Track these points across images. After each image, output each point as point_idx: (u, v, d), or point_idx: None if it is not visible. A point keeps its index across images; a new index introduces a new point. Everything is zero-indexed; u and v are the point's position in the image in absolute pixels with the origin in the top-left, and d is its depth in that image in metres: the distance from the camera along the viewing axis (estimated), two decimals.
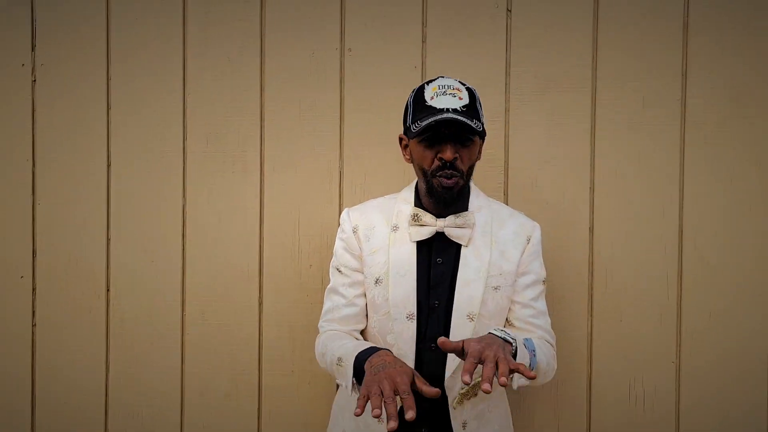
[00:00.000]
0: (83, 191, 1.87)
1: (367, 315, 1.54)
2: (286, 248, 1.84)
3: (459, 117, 1.39)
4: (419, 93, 1.47)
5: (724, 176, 1.76)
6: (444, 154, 1.42)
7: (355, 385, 1.35)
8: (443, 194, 1.45)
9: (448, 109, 1.40)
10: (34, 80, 1.88)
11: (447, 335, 1.47)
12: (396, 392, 1.18)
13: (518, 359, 1.28)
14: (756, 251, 1.75)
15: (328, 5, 1.81)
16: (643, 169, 1.77)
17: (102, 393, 1.88)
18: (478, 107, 1.47)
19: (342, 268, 1.55)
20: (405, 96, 1.66)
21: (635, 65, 1.76)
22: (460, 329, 1.47)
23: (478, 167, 1.77)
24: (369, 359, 1.31)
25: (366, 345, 1.41)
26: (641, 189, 1.77)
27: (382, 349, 1.36)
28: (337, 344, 1.45)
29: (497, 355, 1.18)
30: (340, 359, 1.40)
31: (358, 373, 1.33)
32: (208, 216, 1.85)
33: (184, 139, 1.85)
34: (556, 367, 1.52)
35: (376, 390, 1.18)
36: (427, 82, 1.48)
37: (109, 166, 1.87)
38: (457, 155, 1.44)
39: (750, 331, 1.75)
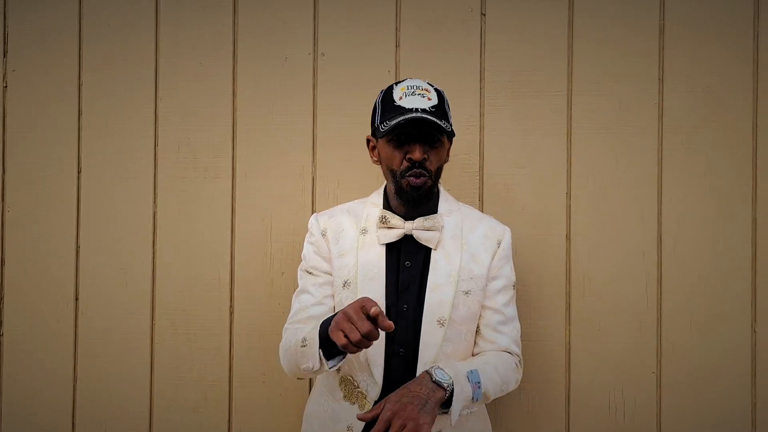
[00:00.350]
0: (53, 198, 1.84)
1: None
2: (257, 256, 1.80)
3: (428, 117, 1.38)
4: (388, 93, 1.45)
5: (703, 181, 1.72)
6: (413, 154, 1.41)
7: (323, 359, 1.29)
8: (412, 194, 1.43)
9: (417, 109, 1.39)
10: (6, 86, 1.86)
11: (417, 340, 1.44)
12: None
13: (456, 399, 1.31)
14: (737, 257, 1.71)
15: (301, 9, 1.80)
16: (620, 175, 1.74)
17: (69, 404, 1.84)
18: (447, 109, 1.46)
19: (312, 270, 1.51)
20: None
21: (611, 69, 1.74)
22: (431, 335, 1.43)
23: (453, 173, 1.74)
24: (333, 319, 1.27)
25: (331, 315, 1.36)
26: (619, 194, 1.74)
27: None
28: (300, 332, 1.40)
29: (405, 425, 1.23)
30: (304, 339, 1.35)
31: (324, 339, 1.29)
32: (179, 223, 1.82)
33: (156, 146, 1.83)
34: (519, 377, 1.51)
35: (344, 320, 1.20)
36: (396, 83, 1.47)
37: (79, 172, 1.84)
38: (426, 156, 1.42)
39: (732, 339, 1.71)
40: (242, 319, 1.80)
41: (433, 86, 1.46)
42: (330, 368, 1.30)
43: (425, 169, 1.42)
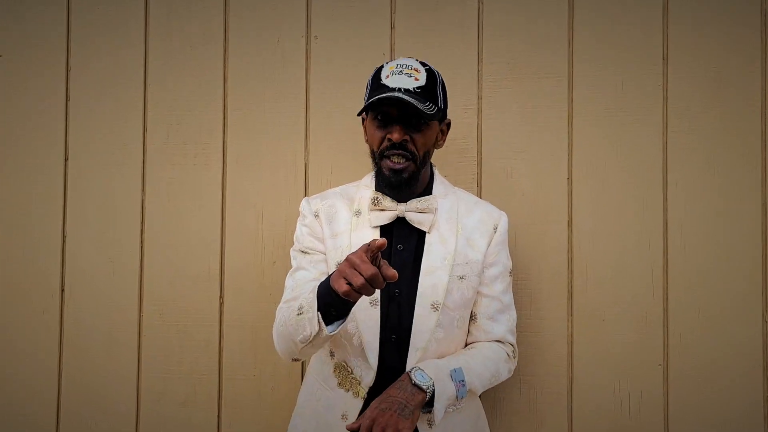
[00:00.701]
0: (40, 186, 1.80)
1: None
2: (248, 244, 1.74)
3: (406, 97, 1.32)
4: (378, 71, 1.41)
5: (709, 165, 1.65)
6: (392, 134, 1.36)
7: (321, 322, 1.22)
8: (390, 177, 1.39)
9: (399, 89, 1.34)
10: None
11: (410, 325, 1.38)
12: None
13: (438, 399, 1.30)
14: (745, 245, 1.64)
15: None
16: (624, 159, 1.67)
17: (54, 397, 1.78)
18: (438, 90, 1.40)
19: (307, 250, 1.46)
20: None
21: (614, 50, 1.68)
22: (424, 319, 1.38)
23: (450, 157, 1.68)
24: (331, 276, 1.20)
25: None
26: (622, 180, 1.67)
27: None
28: (296, 304, 1.32)
29: (384, 431, 1.23)
30: (300, 307, 1.27)
31: (322, 301, 1.22)
32: (168, 211, 1.77)
33: (144, 132, 1.78)
34: (512, 367, 1.49)
35: (347, 266, 1.14)
36: (388, 62, 1.42)
37: (66, 160, 1.80)
38: (408, 137, 1.37)
39: (741, 330, 1.63)
40: (233, 311, 1.74)
41: (426, 66, 1.40)
42: (330, 333, 1.23)
43: (406, 149, 1.37)
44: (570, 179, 1.68)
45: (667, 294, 1.65)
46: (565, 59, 1.68)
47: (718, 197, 1.65)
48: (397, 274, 1.15)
